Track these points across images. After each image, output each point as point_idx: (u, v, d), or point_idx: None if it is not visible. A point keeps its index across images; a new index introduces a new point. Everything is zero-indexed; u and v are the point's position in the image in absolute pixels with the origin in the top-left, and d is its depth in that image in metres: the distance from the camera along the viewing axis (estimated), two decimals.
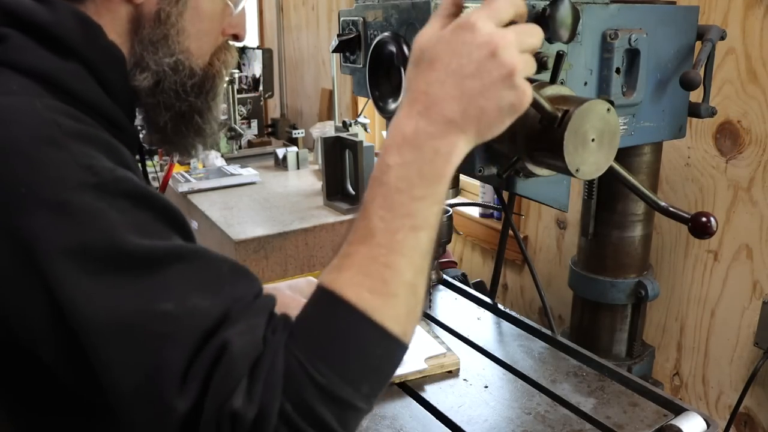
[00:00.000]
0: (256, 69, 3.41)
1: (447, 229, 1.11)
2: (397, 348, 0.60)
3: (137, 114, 0.82)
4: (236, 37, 0.84)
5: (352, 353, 0.57)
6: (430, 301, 1.30)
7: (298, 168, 2.92)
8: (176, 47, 0.76)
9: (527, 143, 0.80)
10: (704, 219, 0.77)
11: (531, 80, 0.81)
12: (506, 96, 0.61)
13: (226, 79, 0.87)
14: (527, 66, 0.62)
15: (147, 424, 0.56)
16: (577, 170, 0.77)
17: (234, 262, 0.63)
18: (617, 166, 0.81)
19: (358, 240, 0.60)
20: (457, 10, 0.65)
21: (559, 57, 0.78)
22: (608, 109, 0.77)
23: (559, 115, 0.74)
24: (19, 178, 0.57)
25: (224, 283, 0.60)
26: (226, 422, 0.54)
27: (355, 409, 0.57)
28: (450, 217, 1.12)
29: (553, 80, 0.80)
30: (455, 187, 1.09)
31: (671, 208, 0.81)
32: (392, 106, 0.91)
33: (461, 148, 0.61)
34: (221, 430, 0.54)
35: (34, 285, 0.56)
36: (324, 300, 0.59)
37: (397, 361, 0.61)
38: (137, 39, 0.76)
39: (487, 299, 1.42)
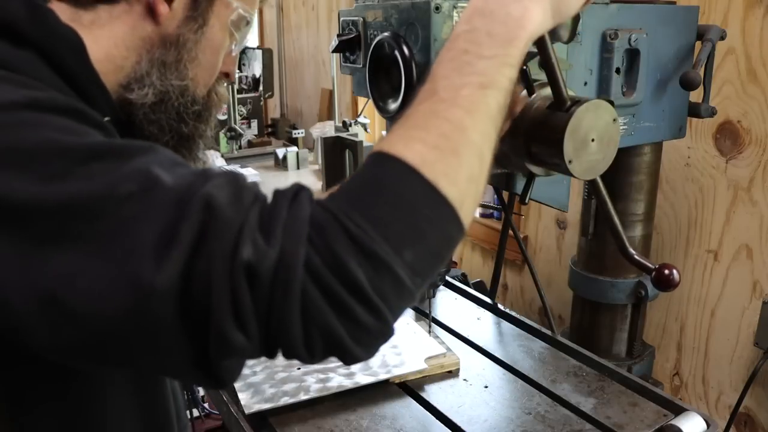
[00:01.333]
0: (256, 69, 3.41)
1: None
2: (448, 215, 0.52)
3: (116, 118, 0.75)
4: (227, 76, 0.83)
5: (393, 207, 0.50)
6: (430, 301, 1.30)
7: (298, 168, 2.92)
8: (186, 72, 0.75)
9: (527, 141, 0.80)
10: (667, 272, 0.75)
11: (534, 81, 0.81)
12: None
13: (220, 113, 0.86)
14: None
15: (134, 331, 0.47)
16: (576, 170, 0.77)
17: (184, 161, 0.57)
18: (601, 186, 0.80)
19: (418, 101, 0.55)
20: None
21: (523, 72, 0.77)
22: (610, 110, 0.77)
23: (569, 102, 0.74)
24: None
25: (187, 167, 0.54)
26: (239, 280, 0.46)
27: (394, 276, 0.49)
28: None
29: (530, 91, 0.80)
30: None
31: (636, 257, 0.80)
32: (392, 106, 0.91)
33: (536, 14, 0.58)
34: (237, 294, 0.46)
35: None
36: (369, 159, 0.53)
37: (448, 234, 0.53)
38: (147, 57, 0.73)
39: (487, 299, 1.42)
